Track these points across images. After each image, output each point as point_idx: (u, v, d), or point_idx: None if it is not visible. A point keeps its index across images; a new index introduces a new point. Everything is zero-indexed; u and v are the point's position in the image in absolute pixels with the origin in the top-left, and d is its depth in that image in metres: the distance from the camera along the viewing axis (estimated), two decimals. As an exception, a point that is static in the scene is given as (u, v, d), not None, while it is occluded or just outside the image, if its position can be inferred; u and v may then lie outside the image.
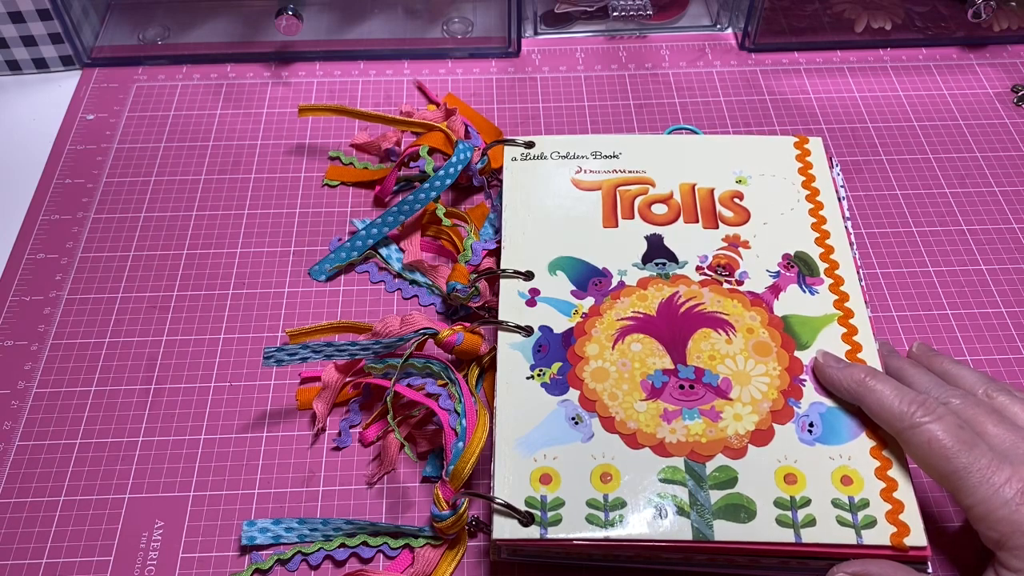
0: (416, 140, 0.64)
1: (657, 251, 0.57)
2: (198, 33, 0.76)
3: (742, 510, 0.46)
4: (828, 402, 0.50)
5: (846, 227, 0.58)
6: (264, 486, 0.51)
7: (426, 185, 0.61)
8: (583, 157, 0.62)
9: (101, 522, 0.50)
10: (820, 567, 0.46)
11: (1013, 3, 0.75)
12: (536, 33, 0.77)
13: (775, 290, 0.54)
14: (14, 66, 0.74)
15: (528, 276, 0.56)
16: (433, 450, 0.52)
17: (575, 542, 0.45)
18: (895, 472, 0.47)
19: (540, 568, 0.48)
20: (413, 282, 0.60)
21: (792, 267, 0.56)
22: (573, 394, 0.50)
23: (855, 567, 0.43)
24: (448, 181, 0.61)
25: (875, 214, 0.64)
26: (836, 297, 0.54)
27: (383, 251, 0.61)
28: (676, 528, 0.45)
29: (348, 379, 0.54)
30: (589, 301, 0.54)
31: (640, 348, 0.52)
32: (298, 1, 0.72)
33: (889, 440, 0.48)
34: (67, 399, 0.55)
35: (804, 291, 0.54)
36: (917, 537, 0.45)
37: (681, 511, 0.46)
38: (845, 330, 0.52)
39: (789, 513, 0.46)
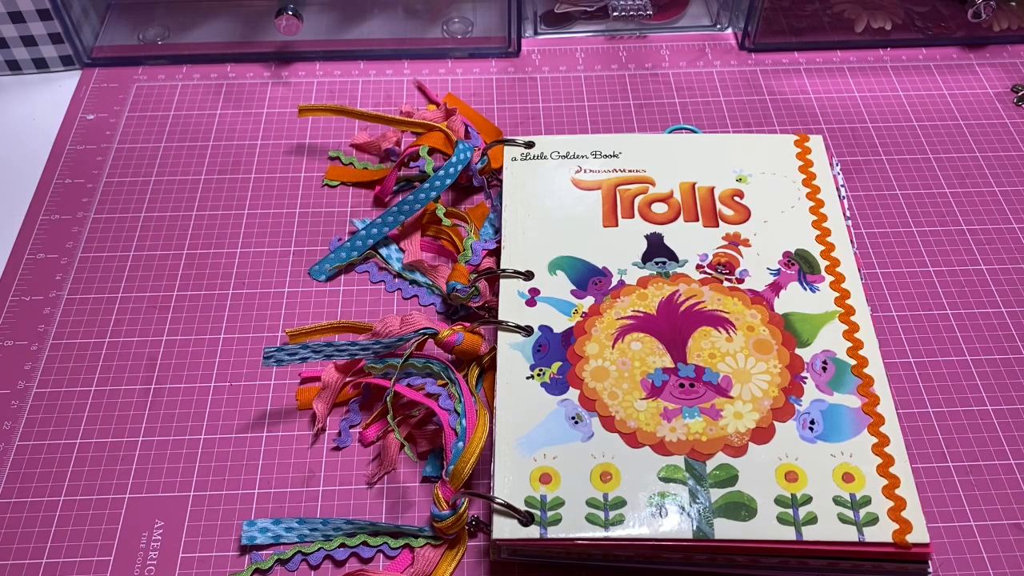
0: (416, 140, 0.64)
1: (657, 250, 0.57)
2: (198, 33, 0.76)
3: (743, 508, 0.46)
4: (829, 399, 0.50)
5: (847, 225, 0.58)
6: (264, 486, 0.51)
7: (426, 185, 0.61)
8: (583, 157, 0.62)
9: (101, 522, 0.50)
10: (820, 566, 0.46)
11: (1013, 3, 0.75)
12: (536, 33, 0.77)
13: (776, 288, 0.54)
14: (14, 66, 0.74)
15: (528, 276, 0.56)
16: (433, 450, 0.52)
17: (575, 542, 0.45)
18: (897, 469, 0.47)
19: (540, 568, 0.48)
20: (413, 282, 0.60)
21: (793, 264, 0.56)
22: (573, 393, 0.50)
23: None
24: (448, 181, 0.61)
25: (875, 214, 0.64)
26: (837, 294, 0.54)
27: (383, 251, 0.61)
28: (676, 527, 0.45)
29: (348, 379, 0.54)
30: (589, 300, 0.54)
31: (640, 347, 0.52)
32: (298, 1, 0.72)
33: (891, 437, 0.48)
34: (67, 399, 0.54)
35: (805, 288, 0.54)
36: (919, 534, 0.45)
37: (681, 510, 0.46)
38: (846, 327, 0.52)
39: (790, 511, 0.45)
